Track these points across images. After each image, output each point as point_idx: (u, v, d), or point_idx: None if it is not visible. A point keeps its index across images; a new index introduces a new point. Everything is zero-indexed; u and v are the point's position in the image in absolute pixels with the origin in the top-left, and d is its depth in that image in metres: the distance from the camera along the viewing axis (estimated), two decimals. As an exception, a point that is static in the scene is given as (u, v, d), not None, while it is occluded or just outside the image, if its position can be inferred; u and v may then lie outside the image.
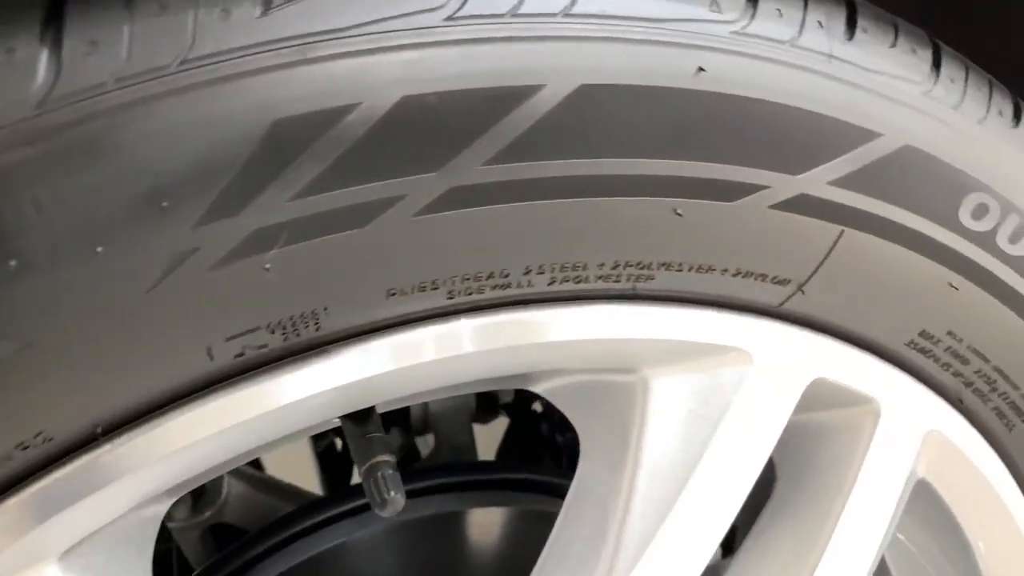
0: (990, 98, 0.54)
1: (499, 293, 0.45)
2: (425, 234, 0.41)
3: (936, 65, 0.51)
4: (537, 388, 0.58)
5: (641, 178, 0.44)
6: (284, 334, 0.41)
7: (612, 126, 0.42)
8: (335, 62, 0.37)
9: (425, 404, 0.90)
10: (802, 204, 0.48)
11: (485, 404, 0.96)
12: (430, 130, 0.39)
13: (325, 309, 0.41)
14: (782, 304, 0.52)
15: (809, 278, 0.51)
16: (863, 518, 0.60)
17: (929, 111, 0.50)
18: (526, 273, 0.45)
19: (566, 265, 0.45)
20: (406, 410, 0.91)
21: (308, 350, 0.43)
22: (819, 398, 0.58)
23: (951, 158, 0.51)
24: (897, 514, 0.63)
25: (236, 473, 0.79)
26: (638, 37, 0.42)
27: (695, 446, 0.53)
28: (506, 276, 0.44)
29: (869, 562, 0.61)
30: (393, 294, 0.42)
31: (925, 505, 0.69)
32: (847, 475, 0.59)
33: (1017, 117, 0.56)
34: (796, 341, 0.54)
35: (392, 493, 0.47)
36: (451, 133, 0.39)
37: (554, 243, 0.44)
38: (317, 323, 0.42)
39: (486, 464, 0.87)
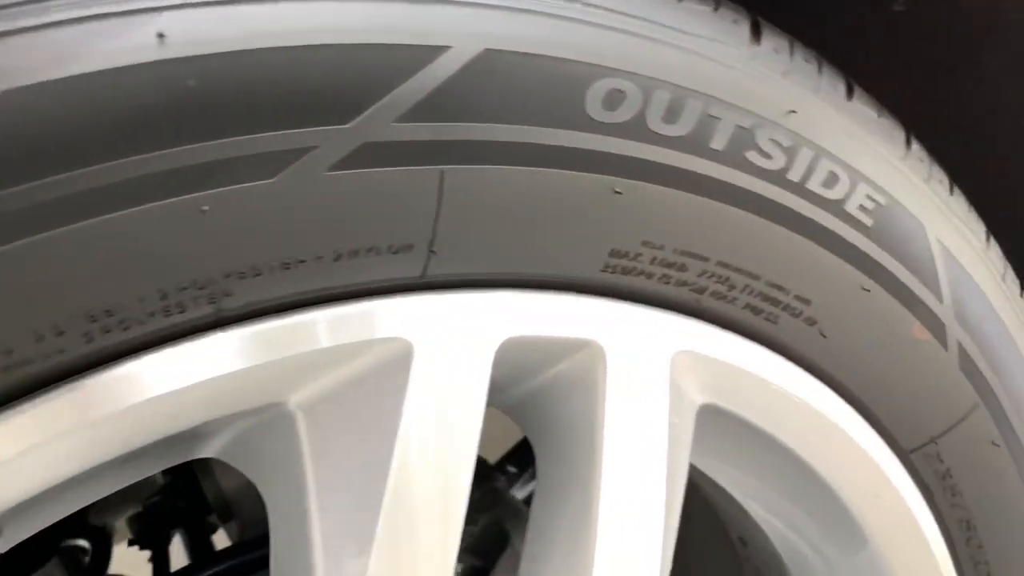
0: (591, -28, 0.47)
1: (20, 373, 0.36)
2: None
3: (505, -49, 0.44)
4: (208, 454, 0.49)
5: (128, 184, 0.35)
6: None
7: (49, 136, 0.33)
8: None
9: (221, 492, 0.80)
10: (371, 155, 0.40)
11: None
12: None
13: None
14: (424, 273, 0.44)
15: (434, 236, 0.43)
16: (631, 468, 0.52)
17: (502, 3, 0.43)
18: (39, 340, 0.36)
19: (91, 314, 0.37)
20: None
21: None
22: (528, 359, 0.50)
23: (553, 49, 0.44)
24: (681, 450, 0.56)
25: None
26: (56, 20, 0.34)
27: (378, 466, 0.44)
28: (10, 353, 0.35)
29: (659, 511, 0.53)
30: None
31: (733, 430, 0.62)
32: (594, 430, 0.51)
33: (634, -16, 0.49)
34: (459, 308, 0.46)
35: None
36: None
37: (49, 295, 0.35)
38: None
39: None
